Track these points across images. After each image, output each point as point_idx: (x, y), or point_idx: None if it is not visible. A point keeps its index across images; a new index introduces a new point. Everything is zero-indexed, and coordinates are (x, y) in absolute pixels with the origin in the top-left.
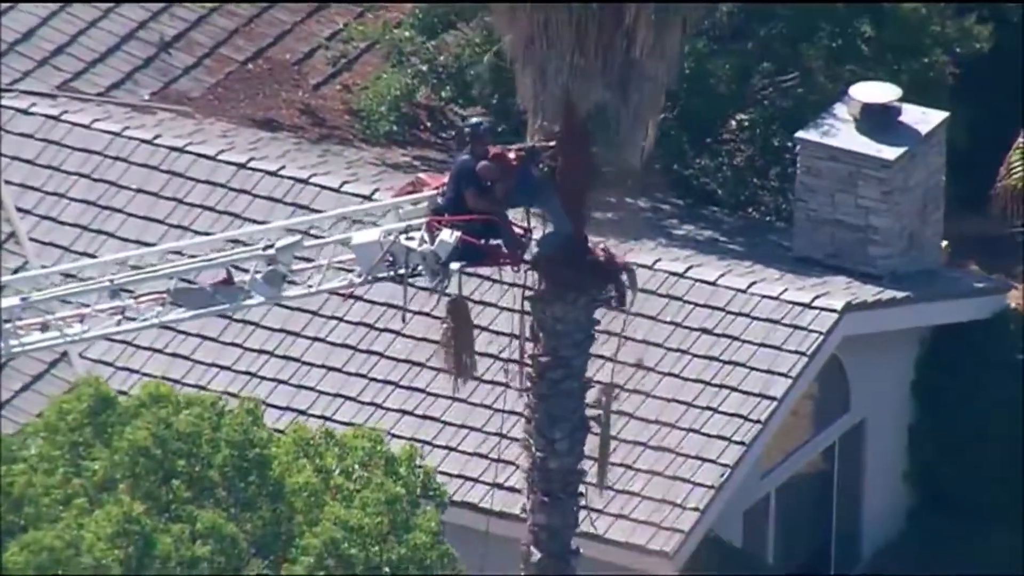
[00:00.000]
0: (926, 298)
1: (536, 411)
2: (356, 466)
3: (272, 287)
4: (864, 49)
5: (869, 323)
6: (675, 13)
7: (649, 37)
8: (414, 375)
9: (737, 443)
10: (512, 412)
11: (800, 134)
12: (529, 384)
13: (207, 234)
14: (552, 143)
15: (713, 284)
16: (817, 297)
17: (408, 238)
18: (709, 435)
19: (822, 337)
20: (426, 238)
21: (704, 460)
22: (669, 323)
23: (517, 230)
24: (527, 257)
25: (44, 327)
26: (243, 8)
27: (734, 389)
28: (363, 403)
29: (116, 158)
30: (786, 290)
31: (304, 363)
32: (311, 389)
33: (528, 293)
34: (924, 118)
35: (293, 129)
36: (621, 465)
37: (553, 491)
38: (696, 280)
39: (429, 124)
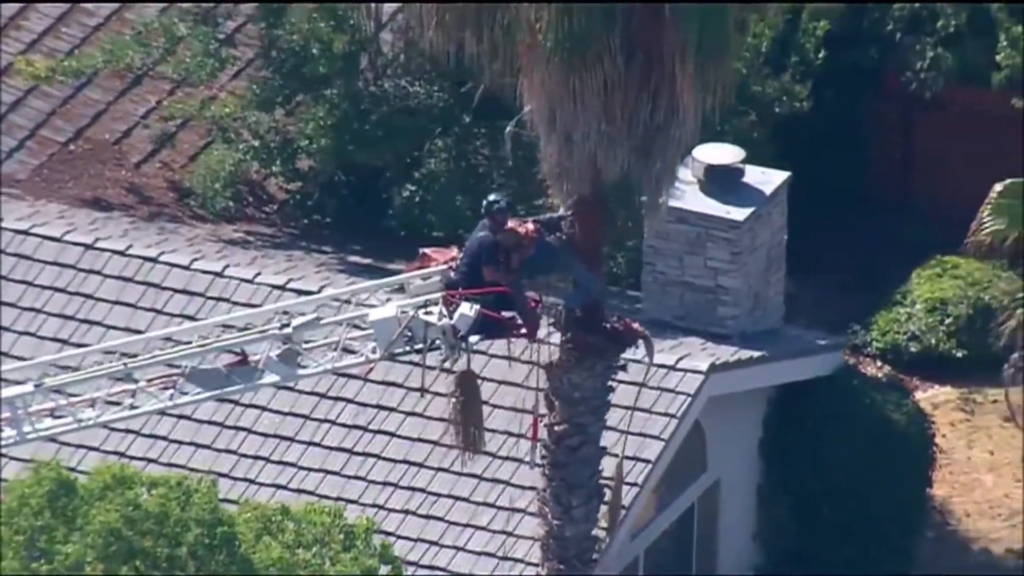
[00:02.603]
0: (781, 356)
1: (552, 479)
2: (311, 540)
3: (287, 366)
4: None
5: (729, 383)
6: (710, 73)
7: (682, 98)
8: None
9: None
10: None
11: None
12: (544, 454)
13: (61, 316)
14: (569, 213)
15: None
16: (680, 359)
17: (426, 312)
18: None
19: (690, 399)
20: (444, 312)
21: None
22: (536, 388)
23: (530, 303)
24: (549, 320)
25: (53, 413)
26: (56, 89)
27: (608, 453)
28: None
29: None
30: None
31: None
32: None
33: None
34: (766, 178)
35: (123, 208)
36: (502, 532)
37: (568, 558)
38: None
39: (251, 199)
